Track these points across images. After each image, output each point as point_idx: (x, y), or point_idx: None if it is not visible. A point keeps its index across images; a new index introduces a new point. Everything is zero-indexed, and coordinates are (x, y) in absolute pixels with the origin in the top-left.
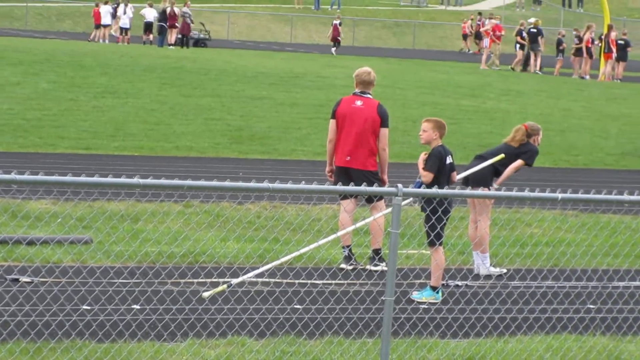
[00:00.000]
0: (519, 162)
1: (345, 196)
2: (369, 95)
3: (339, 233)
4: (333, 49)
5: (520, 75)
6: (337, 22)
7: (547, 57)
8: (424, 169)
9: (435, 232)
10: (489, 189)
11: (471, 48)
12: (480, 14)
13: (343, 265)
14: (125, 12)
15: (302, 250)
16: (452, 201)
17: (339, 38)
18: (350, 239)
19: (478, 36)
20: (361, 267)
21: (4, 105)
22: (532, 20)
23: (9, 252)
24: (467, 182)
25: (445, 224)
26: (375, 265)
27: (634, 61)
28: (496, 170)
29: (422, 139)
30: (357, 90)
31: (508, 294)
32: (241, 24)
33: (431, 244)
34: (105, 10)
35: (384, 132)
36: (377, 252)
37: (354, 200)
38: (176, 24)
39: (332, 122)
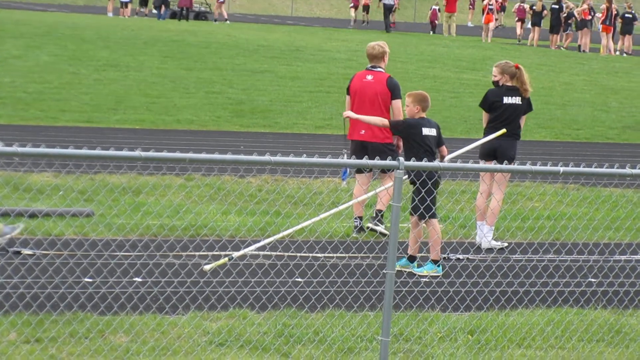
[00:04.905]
0: (524, 119)
1: (359, 170)
2: (380, 69)
3: (349, 202)
4: (431, 32)
5: (522, 49)
6: (437, 7)
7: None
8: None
9: (426, 205)
10: (514, 162)
11: (364, 19)
12: None
13: (355, 235)
14: None
15: (313, 220)
16: (442, 174)
17: (436, 22)
18: (363, 210)
19: (366, 9)
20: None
21: (6, 78)
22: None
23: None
24: (494, 155)
25: (435, 196)
26: (375, 224)
27: (635, 35)
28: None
29: (407, 114)
30: (368, 65)
31: (509, 268)
32: None
33: (422, 216)
34: None
35: (396, 103)
36: (379, 212)
37: (369, 174)
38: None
39: (347, 98)
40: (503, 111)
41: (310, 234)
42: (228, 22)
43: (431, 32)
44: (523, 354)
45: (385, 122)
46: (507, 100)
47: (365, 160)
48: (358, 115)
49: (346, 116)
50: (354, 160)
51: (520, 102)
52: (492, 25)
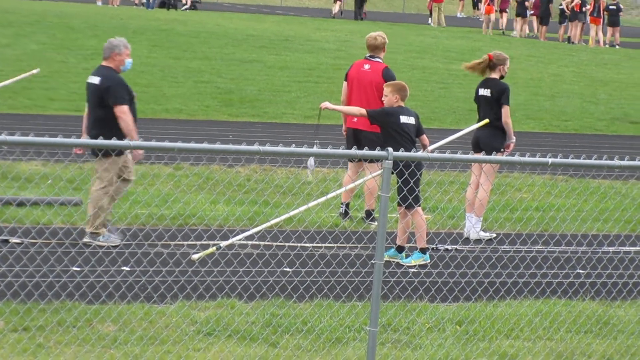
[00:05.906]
0: (505, 110)
1: (351, 158)
2: (378, 60)
3: (339, 191)
4: (430, 20)
5: (511, 40)
6: None
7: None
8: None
9: (414, 194)
10: (502, 152)
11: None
12: None
13: (339, 218)
14: None
15: (301, 209)
16: (431, 165)
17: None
18: (350, 196)
19: None
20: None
21: None
22: None
23: None
24: (478, 146)
25: (415, 183)
26: (369, 224)
27: (623, 27)
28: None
29: (385, 104)
30: (367, 54)
31: (498, 259)
32: None
33: (410, 206)
34: None
35: None
36: (369, 213)
37: (359, 162)
38: None
39: (344, 85)
40: (478, 102)
41: (299, 224)
42: (188, 9)
43: (433, 24)
44: (511, 344)
45: (363, 111)
46: (480, 92)
47: (353, 151)
48: (335, 106)
49: (324, 107)
50: (342, 151)
51: (490, 94)
52: (492, 16)
